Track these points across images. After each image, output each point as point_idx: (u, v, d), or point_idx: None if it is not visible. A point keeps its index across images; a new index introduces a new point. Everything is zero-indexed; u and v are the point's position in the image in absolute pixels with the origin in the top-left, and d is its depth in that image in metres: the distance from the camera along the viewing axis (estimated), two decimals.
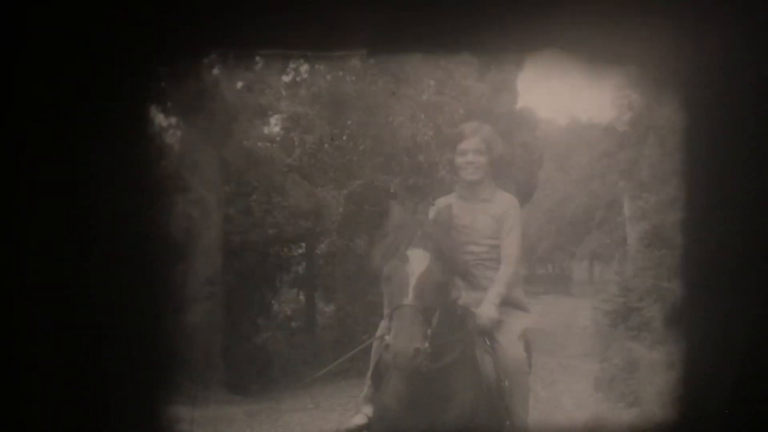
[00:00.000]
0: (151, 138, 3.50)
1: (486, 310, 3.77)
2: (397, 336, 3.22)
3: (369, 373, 3.80)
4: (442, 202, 3.97)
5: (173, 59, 3.50)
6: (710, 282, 3.55)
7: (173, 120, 6.46)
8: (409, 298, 3.31)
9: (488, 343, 3.78)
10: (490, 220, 3.94)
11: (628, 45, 3.48)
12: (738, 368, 3.38)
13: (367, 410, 3.72)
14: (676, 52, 3.42)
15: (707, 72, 3.40)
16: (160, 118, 3.77)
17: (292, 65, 8.42)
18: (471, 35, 3.48)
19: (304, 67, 8.42)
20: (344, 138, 8.79)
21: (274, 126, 8.71)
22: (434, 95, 9.24)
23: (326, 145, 8.73)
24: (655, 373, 6.64)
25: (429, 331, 3.31)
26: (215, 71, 7.20)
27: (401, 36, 3.48)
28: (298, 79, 8.47)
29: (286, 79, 8.43)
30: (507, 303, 3.87)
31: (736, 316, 3.40)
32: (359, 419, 3.74)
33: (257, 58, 7.48)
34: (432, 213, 3.88)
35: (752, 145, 3.38)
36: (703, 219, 3.61)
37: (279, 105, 8.50)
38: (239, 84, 7.73)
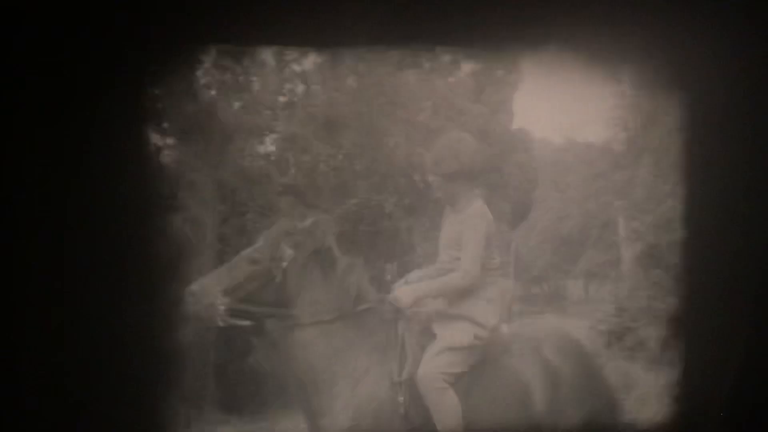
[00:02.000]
0: (147, 158, 3.52)
1: (399, 290, 3.79)
2: None
3: None
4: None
5: (170, 66, 3.51)
6: (706, 298, 3.56)
7: (170, 140, 6.46)
8: None
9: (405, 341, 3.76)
10: (455, 231, 3.86)
11: (625, 46, 3.50)
12: (735, 381, 3.39)
13: None
14: (675, 57, 3.44)
15: (705, 83, 3.42)
16: (156, 138, 3.78)
17: (288, 86, 8.44)
18: (466, 33, 3.50)
19: (300, 88, 8.44)
20: (340, 158, 8.79)
21: (269, 145, 8.72)
22: (430, 117, 9.26)
23: (321, 165, 8.74)
24: (650, 393, 6.62)
25: None
26: (212, 92, 7.23)
27: (395, 34, 3.50)
28: (294, 99, 8.48)
29: (282, 99, 8.45)
30: (458, 317, 3.81)
31: (733, 330, 3.41)
32: None
33: (254, 80, 7.51)
34: None
35: (750, 160, 3.40)
36: (699, 237, 3.62)
37: (275, 125, 8.51)
38: (236, 104, 7.74)
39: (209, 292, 3.86)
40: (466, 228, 3.81)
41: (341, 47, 3.99)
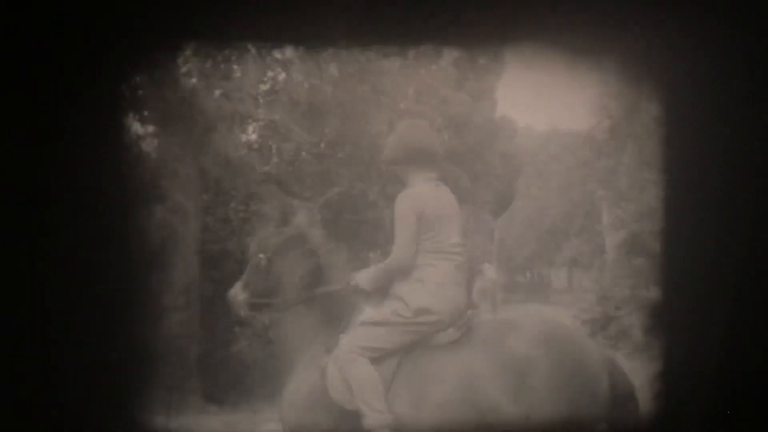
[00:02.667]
0: (127, 146, 3.49)
1: (358, 274, 3.90)
2: None
3: None
4: None
5: (150, 56, 3.49)
6: (688, 286, 3.56)
7: (151, 128, 6.43)
8: None
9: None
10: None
11: (608, 38, 3.49)
12: (716, 369, 3.40)
13: None
14: (657, 49, 3.43)
15: (687, 73, 3.41)
16: (137, 126, 3.75)
17: (270, 74, 8.41)
18: (450, 27, 3.48)
19: (282, 76, 8.41)
20: (322, 146, 8.77)
21: (251, 134, 8.68)
22: (413, 104, 9.24)
23: (303, 153, 8.71)
24: (634, 381, 6.65)
25: None
26: (193, 80, 7.19)
27: (379, 28, 3.48)
28: (276, 87, 8.45)
29: (264, 87, 8.41)
30: (390, 295, 3.84)
31: (714, 319, 3.42)
32: None
33: (235, 68, 7.47)
34: None
35: (732, 149, 3.40)
36: (682, 225, 3.62)
37: (257, 113, 8.47)
38: (217, 92, 7.70)
39: (236, 291, 4.12)
40: (393, 212, 3.83)
41: (322, 43, 3.96)
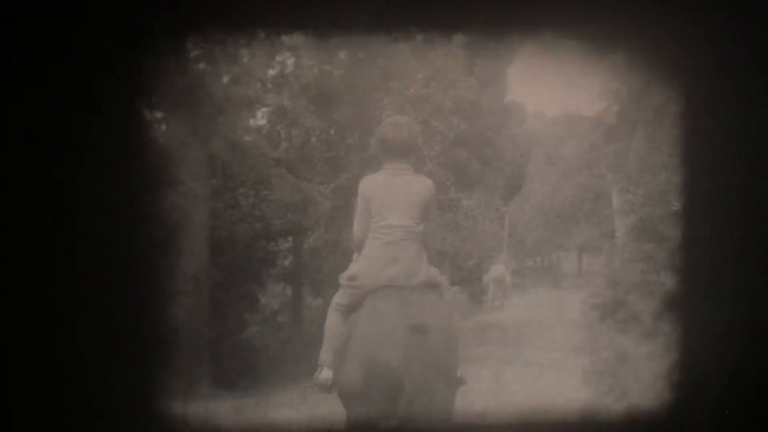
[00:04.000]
0: (137, 132, 3.49)
1: None
2: None
3: None
4: None
5: (158, 42, 3.48)
6: (707, 275, 3.54)
7: (159, 114, 6.42)
8: None
9: None
10: None
11: (622, 30, 3.47)
12: (735, 358, 3.38)
13: None
14: (670, 38, 3.40)
15: (701, 58, 3.38)
16: (145, 112, 3.75)
17: (278, 59, 8.38)
18: (459, 13, 3.47)
19: (291, 61, 8.38)
20: (331, 132, 8.75)
21: (260, 119, 8.66)
22: (422, 89, 9.22)
23: (313, 139, 8.70)
24: (643, 366, 6.63)
25: None
26: (201, 65, 7.17)
27: (393, 18, 3.48)
28: (285, 72, 8.42)
29: (272, 72, 8.38)
30: None
31: (733, 306, 3.40)
32: None
33: (243, 52, 7.44)
34: None
35: (745, 134, 3.37)
36: (699, 210, 3.60)
37: (265, 98, 8.45)
38: (225, 78, 7.68)
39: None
40: None
41: (334, 32, 3.95)
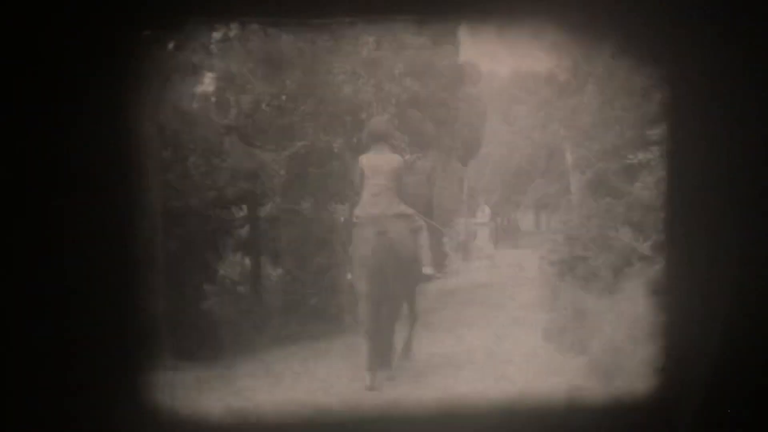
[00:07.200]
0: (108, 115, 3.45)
1: None
2: None
3: None
4: None
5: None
6: (692, 261, 3.56)
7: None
8: None
9: None
10: None
11: (609, 18, 3.46)
12: (719, 343, 3.40)
13: None
14: (655, 27, 3.39)
15: (686, 47, 3.37)
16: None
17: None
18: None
19: (235, 24, 8.20)
20: (283, 98, 8.62)
21: (208, 85, 8.50)
22: (373, 51, 9.12)
23: (263, 105, 8.57)
24: (603, 321, 6.69)
25: None
26: (145, 32, 6.99)
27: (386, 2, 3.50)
28: (230, 35, 8.23)
29: (216, 35, 8.19)
30: None
31: (718, 294, 3.41)
32: None
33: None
34: None
35: (729, 126, 3.37)
36: (683, 201, 3.61)
37: (211, 63, 8.28)
38: (170, 45, 7.51)
39: None
40: None
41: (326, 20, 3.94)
